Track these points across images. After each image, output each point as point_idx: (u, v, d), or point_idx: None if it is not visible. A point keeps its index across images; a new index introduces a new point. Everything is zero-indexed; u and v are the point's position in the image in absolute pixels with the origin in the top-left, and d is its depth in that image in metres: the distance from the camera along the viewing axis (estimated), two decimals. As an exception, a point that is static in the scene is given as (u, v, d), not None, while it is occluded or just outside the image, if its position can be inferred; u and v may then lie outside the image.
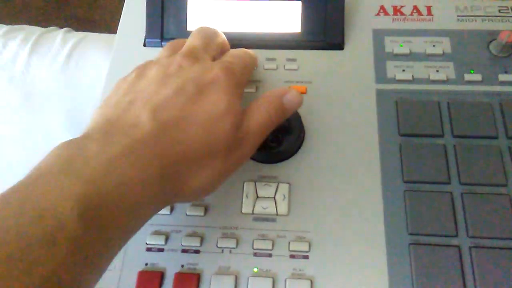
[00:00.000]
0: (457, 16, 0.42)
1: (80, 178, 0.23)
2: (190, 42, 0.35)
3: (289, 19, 0.42)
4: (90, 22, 1.48)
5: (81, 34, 0.56)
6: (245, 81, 0.34)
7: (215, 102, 0.29)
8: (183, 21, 0.43)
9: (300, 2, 0.42)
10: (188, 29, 0.43)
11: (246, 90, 0.40)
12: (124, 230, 0.26)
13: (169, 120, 0.27)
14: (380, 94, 0.39)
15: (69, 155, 0.24)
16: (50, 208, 0.22)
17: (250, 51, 0.38)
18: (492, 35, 0.40)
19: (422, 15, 0.42)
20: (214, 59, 0.34)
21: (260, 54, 0.42)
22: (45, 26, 0.58)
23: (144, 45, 0.44)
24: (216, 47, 0.36)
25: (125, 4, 0.46)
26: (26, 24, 0.59)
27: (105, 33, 0.57)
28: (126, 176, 0.25)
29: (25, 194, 0.22)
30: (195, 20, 0.43)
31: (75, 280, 0.22)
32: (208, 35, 0.35)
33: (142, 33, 0.44)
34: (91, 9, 1.52)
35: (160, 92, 0.29)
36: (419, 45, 0.41)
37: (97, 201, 0.23)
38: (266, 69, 0.41)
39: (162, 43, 0.43)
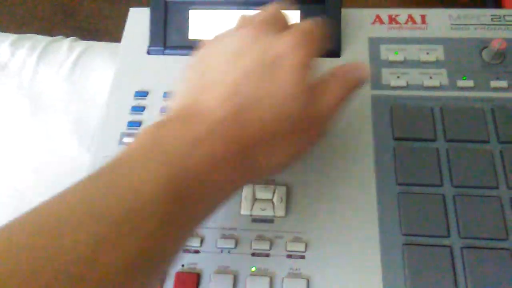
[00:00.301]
0: (451, 24, 0.43)
1: (167, 158, 0.25)
2: (258, 17, 0.33)
3: (287, 28, 0.43)
4: (95, 32, 1.51)
5: (87, 43, 0.58)
6: (316, 53, 0.31)
7: (285, 80, 0.28)
8: (185, 30, 0.44)
9: (299, 11, 0.43)
10: (190, 37, 0.44)
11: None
12: (207, 207, 0.27)
13: (241, 103, 0.28)
14: (375, 99, 0.40)
15: (154, 138, 0.26)
16: (140, 186, 0.23)
17: (319, 21, 0.33)
18: (485, 43, 0.42)
19: (416, 23, 0.44)
20: (282, 33, 0.31)
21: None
22: (52, 36, 0.60)
23: (148, 53, 0.45)
24: (284, 22, 0.33)
25: (129, 14, 0.48)
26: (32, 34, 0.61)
27: (109, 42, 0.59)
28: (209, 155, 0.26)
29: (114, 176, 0.24)
30: (196, 29, 0.44)
31: (164, 252, 0.24)
32: (276, 10, 0.33)
33: (146, 42, 0.45)
34: (96, 20, 1.55)
35: (229, 73, 0.29)
36: (414, 52, 0.42)
37: (184, 180, 0.24)
38: (265, 76, 0.42)
39: (165, 51, 0.45)
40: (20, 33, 0.60)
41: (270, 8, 0.33)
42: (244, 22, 0.33)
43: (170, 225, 0.24)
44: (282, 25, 0.32)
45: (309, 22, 0.32)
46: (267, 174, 0.33)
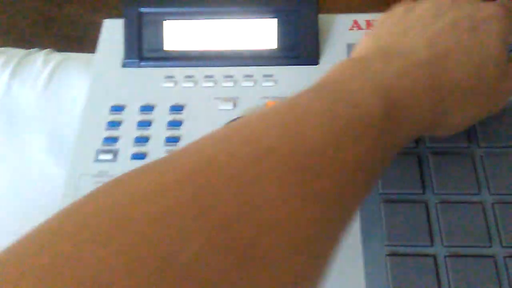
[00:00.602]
0: (429, 28, 0.43)
1: (379, 82, 0.26)
2: None
3: (265, 36, 0.43)
4: (77, 40, 1.49)
5: (62, 55, 0.56)
6: None
7: (488, 44, 0.30)
8: (160, 42, 0.44)
9: (275, 20, 0.43)
10: (165, 48, 0.43)
11: (223, 107, 0.40)
12: (408, 133, 0.28)
13: (443, 50, 0.29)
14: (355, 107, 0.39)
15: (359, 68, 0.28)
16: (361, 102, 0.25)
17: None
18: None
19: (394, 28, 0.43)
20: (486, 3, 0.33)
21: (237, 72, 0.42)
22: (33, 45, 0.58)
23: (123, 66, 0.44)
24: None
25: (103, 25, 0.47)
26: (13, 43, 0.60)
27: (92, 49, 0.58)
28: (410, 89, 0.27)
29: (334, 94, 0.25)
30: (171, 40, 0.43)
31: (377, 164, 0.25)
32: None
33: (121, 55, 0.44)
34: (78, 27, 1.52)
35: (434, 23, 0.30)
36: (392, 58, 0.42)
37: (394, 102, 0.26)
38: (244, 86, 0.42)
39: (141, 63, 0.44)
40: (0, 44, 0.59)
41: None
42: None
43: (381, 141, 0.25)
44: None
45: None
46: (445, 132, 0.33)
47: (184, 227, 0.17)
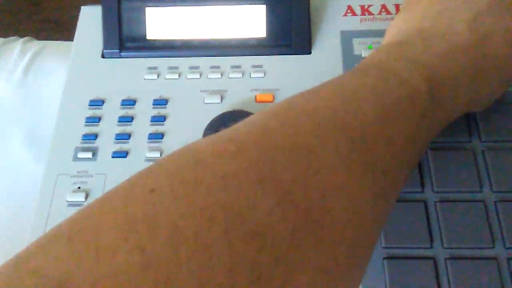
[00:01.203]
0: (427, 13, 0.41)
1: (422, 64, 0.27)
2: None
3: (253, 24, 0.40)
4: (63, 24, 1.45)
5: (41, 43, 0.53)
6: None
7: None
8: (142, 30, 0.41)
9: (264, 6, 0.40)
10: (148, 37, 0.41)
11: (210, 101, 0.38)
12: (449, 114, 0.29)
13: (484, 33, 0.29)
14: (349, 99, 0.37)
15: (402, 50, 0.28)
16: (407, 81, 0.25)
17: None
18: (463, 33, 0.39)
19: (391, 14, 0.41)
20: None
21: (225, 62, 0.40)
22: (18, 30, 0.55)
23: (103, 56, 0.41)
24: None
25: (80, 13, 0.44)
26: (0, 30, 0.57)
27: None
28: (452, 70, 0.28)
29: (381, 73, 0.26)
30: (154, 28, 0.41)
31: (422, 142, 0.26)
32: None
33: (100, 44, 0.42)
34: (65, 11, 1.48)
35: (472, 3, 0.30)
36: (389, 46, 0.39)
37: (437, 84, 0.27)
38: (231, 78, 0.39)
39: (122, 53, 0.41)
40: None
41: None
42: None
43: (426, 118, 0.26)
44: None
45: None
46: (477, 106, 0.33)
47: (250, 190, 0.18)
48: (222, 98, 0.38)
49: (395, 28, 0.32)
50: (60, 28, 1.47)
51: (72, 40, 0.43)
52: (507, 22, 0.30)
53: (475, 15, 0.29)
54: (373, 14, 0.41)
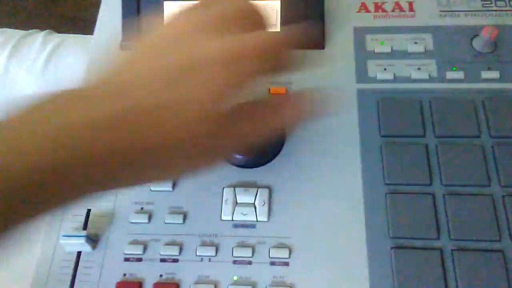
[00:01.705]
0: (440, 11, 0.41)
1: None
2: (219, 6, 0.28)
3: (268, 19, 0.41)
4: (80, 21, 1.47)
5: (61, 36, 0.55)
6: (253, 73, 0.26)
7: (195, 97, 0.24)
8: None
9: (279, 2, 0.41)
10: (166, 31, 0.42)
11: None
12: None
13: (131, 109, 0.24)
14: (361, 94, 0.38)
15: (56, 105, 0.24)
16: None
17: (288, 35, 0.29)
18: (475, 31, 0.39)
19: (404, 11, 0.42)
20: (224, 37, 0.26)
21: (239, 55, 0.41)
22: (38, 27, 0.57)
23: (122, 48, 0.43)
24: (243, 21, 0.28)
25: (101, 4, 0.45)
26: (17, 26, 0.58)
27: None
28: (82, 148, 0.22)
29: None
30: (172, 22, 0.42)
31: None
32: (243, 5, 0.29)
33: (119, 36, 0.43)
34: (82, 8, 1.50)
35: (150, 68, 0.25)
36: (401, 42, 0.40)
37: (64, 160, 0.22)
38: (246, 71, 0.40)
39: (140, 46, 0.42)
40: (3, 26, 0.57)
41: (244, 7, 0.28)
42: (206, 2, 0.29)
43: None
44: (239, 24, 0.27)
45: (269, 36, 0.27)
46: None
47: None
48: (236, 91, 0.39)
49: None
50: (77, 24, 1.49)
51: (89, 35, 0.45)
52: (178, 93, 0.24)
53: (125, 85, 0.25)
54: (387, 11, 0.42)
